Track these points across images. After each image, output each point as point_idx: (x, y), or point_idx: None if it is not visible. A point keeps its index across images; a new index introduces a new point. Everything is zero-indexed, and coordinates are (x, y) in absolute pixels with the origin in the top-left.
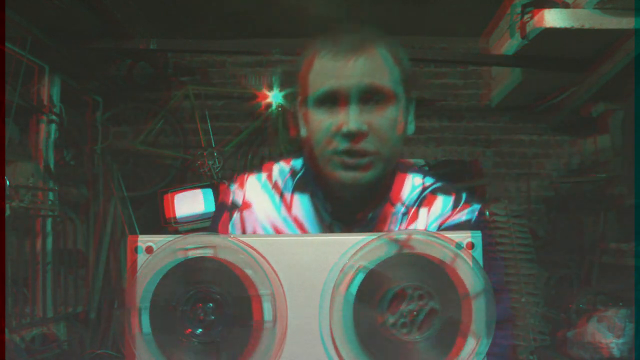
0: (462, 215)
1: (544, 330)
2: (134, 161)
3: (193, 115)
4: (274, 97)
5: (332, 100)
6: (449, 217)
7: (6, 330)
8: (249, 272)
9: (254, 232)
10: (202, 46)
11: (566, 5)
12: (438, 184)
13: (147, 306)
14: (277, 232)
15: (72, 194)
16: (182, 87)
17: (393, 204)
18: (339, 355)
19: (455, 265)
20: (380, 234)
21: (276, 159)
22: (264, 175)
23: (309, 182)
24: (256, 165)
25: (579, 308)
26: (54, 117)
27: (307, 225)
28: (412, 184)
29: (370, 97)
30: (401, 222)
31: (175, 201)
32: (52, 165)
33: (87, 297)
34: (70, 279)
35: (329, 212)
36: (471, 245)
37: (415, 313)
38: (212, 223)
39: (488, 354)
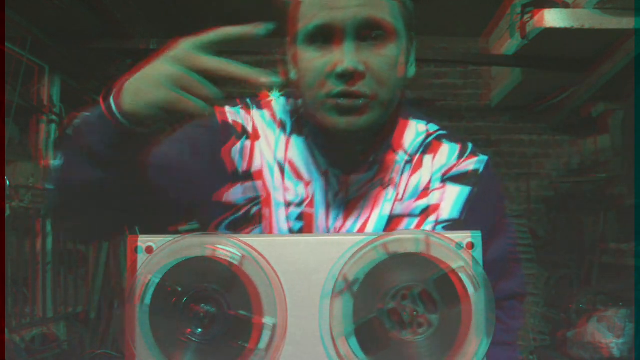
0: (469, 165)
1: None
2: None
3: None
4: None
5: (325, 35)
6: (454, 165)
7: (6, 330)
8: (261, 293)
9: (261, 169)
10: None
11: (566, 5)
12: (443, 131)
13: (156, 281)
14: (281, 173)
15: None
16: None
17: (395, 151)
18: (339, 356)
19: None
20: (373, 237)
21: (273, 92)
22: (266, 112)
23: (307, 124)
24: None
25: (579, 308)
26: (54, 117)
27: (302, 170)
28: (415, 130)
29: (368, 32)
30: (404, 171)
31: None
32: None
33: (87, 297)
34: (70, 279)
35: (326, 157)
36: (471, 245)
37: (415, 312)
38: (205, 145)
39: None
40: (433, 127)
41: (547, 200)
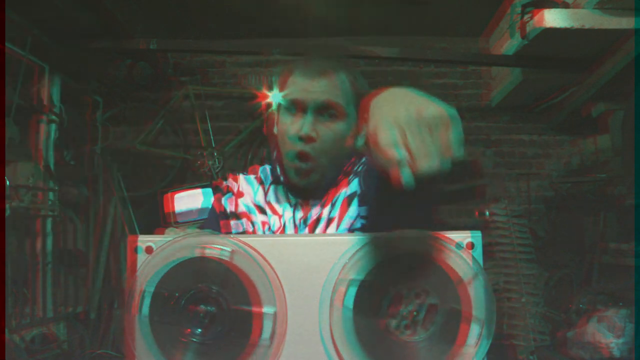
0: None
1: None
2: (134, 161)
3: (193, 115)
4: (274, 97)
5: (296, 107)
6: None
7: (6, 330)
8: (258, 285)
9: (243, 211)
10: (202, 46)
11: (566, 5)
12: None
13: (151, 291)
14: (257, 208)
15: (72, 194)
16: (182, 87)
17: (337, 192)
18: (339, 355)
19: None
20: (371, 236)
21: (260, 163)
22: (251, 176)
23: (279, 177)
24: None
25: (579, 308)
26: (54, 117)
27: (276, 206)
28: (354, 184)
29: (324, 111)
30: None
31: (175, 201)
32: (52, 165)
33: (87, 297)
34: (70, 279)
35: (293, 195)
36: (471, 245)
37: (415, 312)
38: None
39: None
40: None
41: (547, 200)
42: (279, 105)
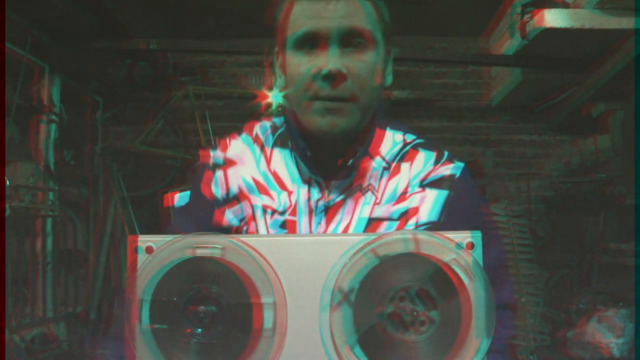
0: (446, 170)
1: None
2: (134, 161)
3: (193, 115)
4: (274, 97)
5: (312, 41)
6: (431, 171)
7: (6, 330)
8: (254, 278)
9: (239, 189)
10: (202, 46)
11: (566, 5)
12: (420, 140)
13: (148, 299)
14: (258, 185)
15: (72, 194)
16: (182, 87)
17: (372, 158)
18: (339, 356)
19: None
20: (372, 237)
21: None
22: (244, 132)
23: (289, 137)
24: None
25: (579, 308)
26: (54, 117)
27: (285, 179)
28: (392, 140)
29: (350, 39)
30: (381, 176)
31: (175, 201)
32: (52, 165)
33: (87, 297)
34: (70, 279)
35: (308, 165)
36: (471, 245)
37: (415, 312)
38: (192, 187)
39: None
40: (410, 137)
41: (547, 200)
42: (282, 43)
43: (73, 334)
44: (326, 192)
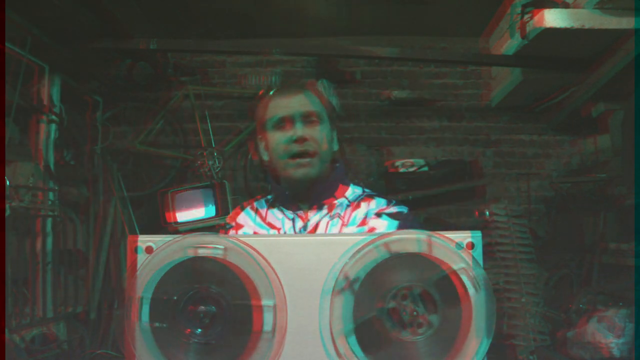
0: (397, 209)
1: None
2: (134, 161)
3: (193, 115)
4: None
5: (284, 122)
6: (385, 209)
7: (6, 330)
8: (254, 279)
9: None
10: (202, 46)
11: (566, 5)
12: (374, 193)
13: (149, 297)
14: (255, 234)
15: (72, 194)
16: (182, 87)
17: (337, 199)
18: (339, 355)
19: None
20: (372, 237)
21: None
22: (250, 209)
23: (276, 200)
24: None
25: (579, 308)
26: (54, 117)
27: (276, 223)
28: (353, 191)
29: (306, 118)
30: (346, 209)
31: (175, 201)
32: (52, 165)
33: (87, 297)
34: (70, 279)
35: (289, 208)
36: (471, 245)
37: (415, 312)
38: None
39: None
40: (368, 191)
41: (547, 200)
42: (262, 126)
43: (73, 334)
44: (304, 221)
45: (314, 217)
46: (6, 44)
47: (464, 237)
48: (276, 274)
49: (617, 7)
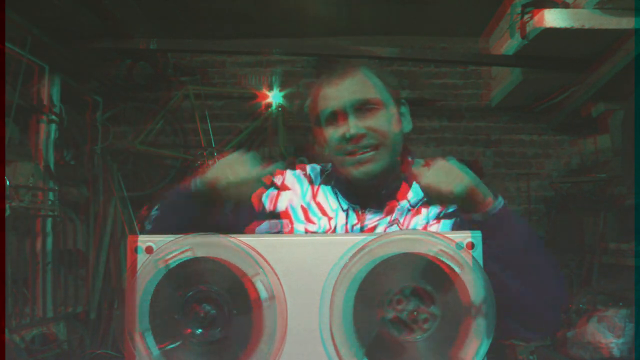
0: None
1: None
2: (134, 161)
3: (193, 115)
4: (274, 97)
5: (335, 115)
6: (442, 209)
7: (6, 330)
8: (234, 260)
9: (286, 210)
10: (202, 46)
11: (566, 5)
12: None
13: (148, 328)
14: (304, 212)
15: (72, 194)
16: (182, 87)
17: (399, 202)
18: (339, 355)
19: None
20: (372, 237)
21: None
22: (299, 171)
23: (333, 178)
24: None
25: (579, 308)
26: (54, 117)
27: (327, 208)
28: (415, 193)
29: (362, 106)
30: (406, 214)
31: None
32: (52, 165)
33: (87, 297)
34: (70, 279)
35: (347, 199)
36: (471, 245)
37: (415, 313)
38: (239, 195)
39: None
40: None
41: (547, 200)
42: (316, 119)
43: (73, 334)
44: (361, 219)
45: (371, 217)
46: (6, 44)
47: (463, 237)
48: (275, 273)
49: (617, 7)
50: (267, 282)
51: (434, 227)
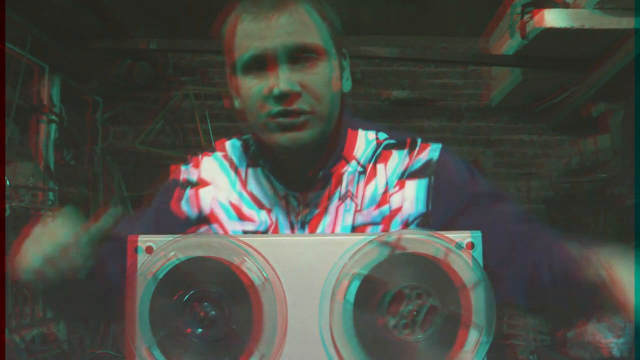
0: (422, 158)
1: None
2: (134, 161)
3: (193, 115)
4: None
5: (260, 63)
6: (408, 164)
7: (6, 330)
8: (221, 254)
9: (211, 211)
10: (202, 46)
11: (566, 5)
12: (391, 140)
13: (153, 343)
14: (235, 209)
15: (72, 194)
16: (182, 87)
17: (347, 162)
18: (339, 356)
19: (449, 260)
20: (373, 237)
21: (229, 136)
22: (219, 153)
23: (258, 154)
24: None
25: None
26: (54, 117)
27: (262, 199)
28: (365, 140)
29: (299, 55)
30: (358, 181)
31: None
32: (52, 165)
33: None
34: None
35: (281, 181)
36: (471, 245)
37: (415, 312)
38: (159, 202)
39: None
40: (382, 136)
41: (547, 200)
42: (232, 66)
43: (73, 334)
44: (302, 206)
45: (316, 198)
46: (6, 44)
47: (463, 237)
48: (275, 273)
49: (617, 7)
50: (256, 267)
51: (397, 197)
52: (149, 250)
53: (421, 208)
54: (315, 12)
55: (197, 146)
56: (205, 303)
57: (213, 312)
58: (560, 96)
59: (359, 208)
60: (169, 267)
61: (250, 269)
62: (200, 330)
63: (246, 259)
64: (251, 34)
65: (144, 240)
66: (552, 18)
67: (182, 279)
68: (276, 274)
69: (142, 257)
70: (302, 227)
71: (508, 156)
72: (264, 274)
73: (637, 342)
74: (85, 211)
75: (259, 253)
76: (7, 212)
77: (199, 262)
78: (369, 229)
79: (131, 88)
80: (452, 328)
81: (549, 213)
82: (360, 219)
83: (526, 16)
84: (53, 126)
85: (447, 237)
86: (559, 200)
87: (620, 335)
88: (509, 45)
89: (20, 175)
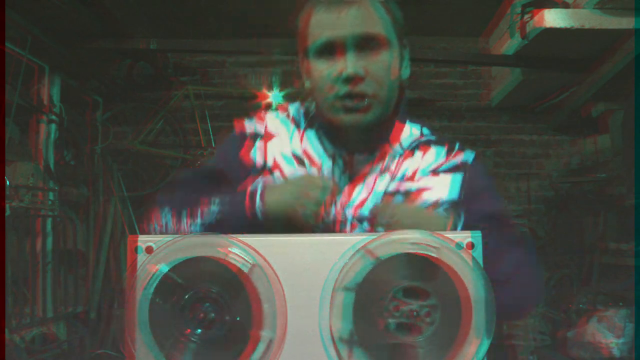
0: (458, 159)
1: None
2: (134, 161)
3: (193, 115)
4: (274, 97)
5: (330, 49)
6: (443, 162)
7: (6, 330)
8: (265, 308)
9: (274, 161)
10: (202, 46)
11: (566, 5)
12: (432, 137)
13: (164, 271)
14: (295, 160)
15: (72, 194)
16: (182, 87)
17: (391, 146)
18: (339, 356)
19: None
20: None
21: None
22: (281, 112)
23: (317, 120)
24: None
25: (579, 308)
26: (54, 117)
27: (314, 156)
28: (410, 132)
29: (365, 44)
30: (397, 159)
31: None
32: (52, 165)
33: (87, 297)
34: (70, 279)
35: (333, 144)
36: (471, 245)
37: (415, 314)
38: (226, 151)
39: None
40: (426, 131)
41: (547, 200)
42: (304, 51)
43: (73, 334)
44: (349, 166)
45: (360, 165)
46: (6, 44)
47: (463, 237)
48: (275, 272)
49: (617, 7)
50: (241, 255)
51: (430, 180)
52: (149, 250)
53: (454, 195)
54: (381, 6)
55: (197, 146)
56: (207, 304)
57: (213, 315)
58: (560, 96)
59: (392, 179)
60: (161, 274)
61: (236, 258)
62: (200, 330)
63: (230, 249)
64: (324, 23)
65: (144, 240)
66: (552, 18)
67: (173, 286)
68: (263, 257)
69: (142, 257)
70: (344, 185)
71: (508, 156)
72: (251, 259)
73: (637, 342)
74: (85, 211)
75: (242, 242)
76: (7, 212)
77: (183, 268)
78: (396, 196)
79: (131, 88)
80: (451, 332)
81: (549, 213)
82: (391, 187)
83: (526, 16)
84: (53, 126)
85: (447, 237)
86: (559, 200)
87: (620, 335)
88: (509, 45)
89: (20, 175)
